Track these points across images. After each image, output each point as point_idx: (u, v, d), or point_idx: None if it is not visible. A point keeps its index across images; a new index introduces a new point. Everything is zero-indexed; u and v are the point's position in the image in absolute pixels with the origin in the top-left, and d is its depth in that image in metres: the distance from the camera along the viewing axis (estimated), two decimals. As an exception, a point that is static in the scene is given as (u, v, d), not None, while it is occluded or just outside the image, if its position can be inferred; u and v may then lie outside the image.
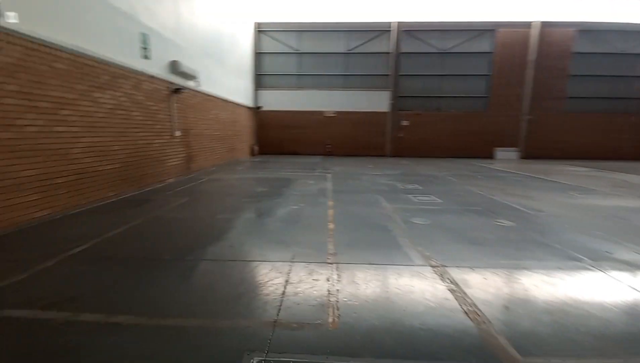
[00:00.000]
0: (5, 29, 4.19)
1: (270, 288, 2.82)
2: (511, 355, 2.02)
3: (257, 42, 18.63)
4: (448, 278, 3.06)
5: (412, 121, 18.89)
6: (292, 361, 1.93)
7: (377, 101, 18.76)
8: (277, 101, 19.11)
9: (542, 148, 18.57)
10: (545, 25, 17.45)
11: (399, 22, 17.82)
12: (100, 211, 5.52)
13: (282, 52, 18.80)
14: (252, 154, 18.33)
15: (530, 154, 18.51)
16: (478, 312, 2.51)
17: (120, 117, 6.67)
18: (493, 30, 17.86)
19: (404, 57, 18.29)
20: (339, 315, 2.43)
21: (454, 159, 17.56)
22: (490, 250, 3.87)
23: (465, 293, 2.79)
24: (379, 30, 18.20)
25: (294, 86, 19.12)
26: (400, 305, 2.59)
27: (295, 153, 19.42)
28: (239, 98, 15.58)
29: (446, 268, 3.30)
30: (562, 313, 2.52)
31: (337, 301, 2.60)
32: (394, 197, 6.96)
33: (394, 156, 18.85)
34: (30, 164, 4.65)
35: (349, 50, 18.53)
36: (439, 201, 6.64)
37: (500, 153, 18.70)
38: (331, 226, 4.74)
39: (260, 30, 18.55)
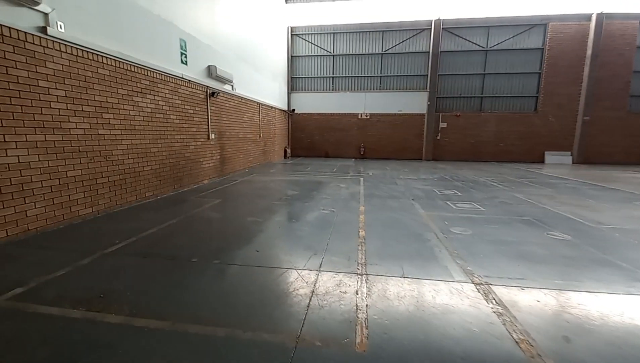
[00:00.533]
0: (55, 37, 4.46)
1: (295, 299, 2.65)
2: (577, 401, 1.67)
3: (292, 45, 18.79)
4: (493, 299, 2.70)
5: (452, 123, 17.98)
6: (313, 386, 1.74)
7: (414, 102, 18.10)
8: (310, 103, 19.13)
9: (599, 152, 16.78)
10: (604, 17, 15.80)
11: (438, 20, 17.07)
12: (139, 210, 5.73)
13: (316, 55, 18.80)
14: (285, 156, 18.48)
15: (585, 158, 16.80)
16: (531, 342, 2.15)
17: (159, 121, 6.92)
18: (544, 24, 16.49)
19: (443, 56, 17.48)
20: (367, 334, 2.20)
21: (497, 164, 16.41)
22: (543, 267, 3.41)
23: (514, 318, 2.43)
24: (417, 29, 17.57)
25: (327, 89, 19.03)
26: (437, 327, 2.30)
27: (327, 156, 19.30)
28: (273, 101, 15.78)
29: (491, 286, 2.93)
30: (635, 349, 2.08)
31: (366, 319, 2.37)
32: (431, 203, 6.54)
33: (431, 160, 18.04)
34: (75, 165, 4.92)
35: (385, 50, 18.08)
36: (481, 209, 6.12)
37: (551, 157, 17.18)
38: (362, 233, 4.50)
39: (295, 34, 18.70)
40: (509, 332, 2.25)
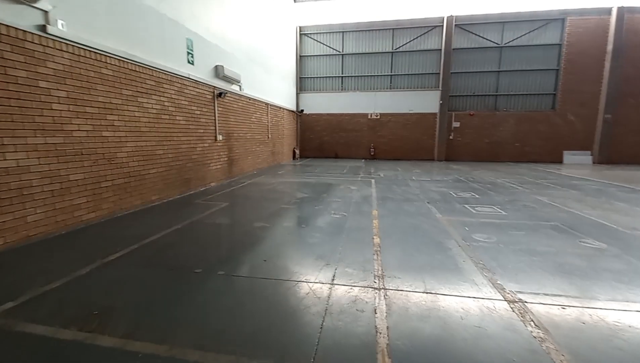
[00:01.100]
0: (55, 36, 4.30)
1: (306, 319, 2.38)
2: None
3: (300, 45, 18.57)
4: (532, 320, 2.37)
5: (465, 123, 17.46)
6: None
7: (426, 102, 17.64)
8: (319, 104, 18.87)
9: (623, 152, 16.02)
10: (626, 10, 15.09)
11: (451, 16, 16.60)
12: (144, 215, 5.55)
13: (325, 55, 18.53)
14: (294, 157, 18.26)
15: (607, 158, 16.07)
16: (583, 376, 1.83)
17: (165, 122, 6.75)
18: (562, 19, 15.86)
19: (456, 54, 16.99)
20: (389, 364, 1.91)
21: (514, 164, 15.84)
22: (584, 281, 3.05)
23: (559, 344, 2.10)
24: (428, 26, 17.14)
25: (336, 89, 18.74)
26: (469, 355, 1.99)
27: (337, 157, 19.00)
28: (281, 102, 15.58)
29: (526, 304, 2.60)
30: None
31: (388, 345, 2.08)
32: (448, 207, 6.18)
33: (444, 161, 17.55)
34: (78, 168, 4.76)
35: (396, 49, 17.69)
36: (503, 213, 5.74)
37: (570, 156, 16.50)
38: (377, 240, 4.20)
39: (303, 34, 18.47)
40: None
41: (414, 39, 17.42)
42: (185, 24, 7.36)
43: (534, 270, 3.28)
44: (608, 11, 15.37)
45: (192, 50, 7.64)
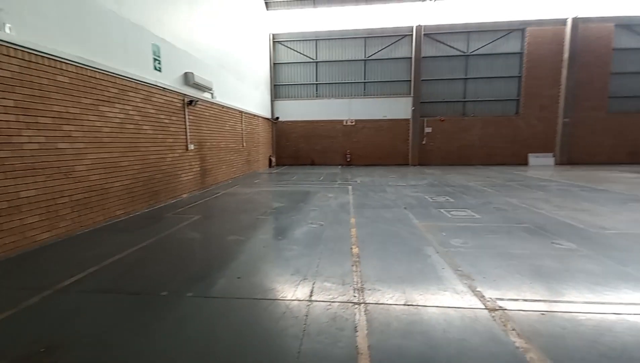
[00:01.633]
0: (2, 40, 3.92)
1: (283, 343, 2.20)
2: None
3: (274, 53, 18.47)
4: (513, 329, 2.33)
5: (436, 128, 17.96)
6: None
7: (399, 108, 18.01)
8: (294, 111, 18.78)
9: (581, 153, 17.07)
10: (580, 21, 16.22)
11: (419, 26, 17.13)
12: (107, 232, 5.15)
13: (299, 62, 18.53)
14: (270, 165, 17.99)
15: (568, 159, 17.05)
16: (568, 387, 1.79)
17: (130, 132, 6.37)
18: (522, 29, 16.80)
19: (425, 62, 17.52)
20: (373, 389, 1.78)
21: (483, 167, 16.44)
22: (560, 284, 3.09)
23: (543, 354, 2.06)
24: (399, 35, 17.58)
25: (311, 96, 18.75)
26: (455, 372, 1.90)
27: (313, 164, 18.92)
28: (256, 109, 15.34)
29: (507, 312, 2.57)
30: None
31: (370, 367, 1.95)
32: (425, 212, 6.21)
33: (418, 165, 17.93)
34: (29, 184, 4.33)
35: (368, 56, 17.99)
36: (477, 216, 5.83)
37: (535, 158, 17.35)
38: (355, 250, 4.09)
39: (277, 41, 18.40)
40: (541, 375, 1.87)
41: (385, 48, 17.80)
42: (151, 29, 7.04)
43: (512, 274, 3.29)
44: (564, 22, 16.45)
45: (159, 56, 7.31)
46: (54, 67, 4.70)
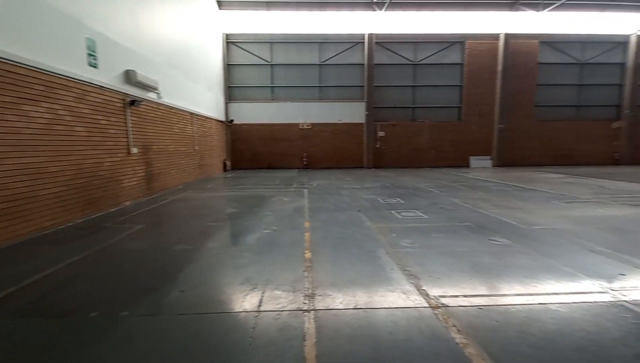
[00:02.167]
0: None
1: (229, 359, 2.09)
2: None
3: (227, 53, 17.95)
4: (454, 325, 2.46)
5: (389, 132, 18.73)
6: None
7: (353, 112, 18.49)
8: (250, 113, 18.40)
9: (514, 156, 18.92)
10: (510, 37, 18.00)
11: (371, 34, 17.78)
12: (30, 246, 4.55)
13: (253, 64, 18.21)
14: (225, 169, 17.39)
15: (503, 162, 18.78)
16: (501, 376, 1.92)
17: (59, 134, 5.72)
18: (462, 42, 18.21)
19: (377, 69, 18.21)
20: (320, 399, 1.75)
21: (431, 169, 17.46)
22: (495, 279, 3.33)
23: (480, 349, 2.19)
24: (352, 42, 18.07)
25: (267, 98, 18.51)
26: (400, 373, 1.94)
27: (270, 167, 18.66)
28: (209, 111, 14.74)
29: (449, 309, 2.70)
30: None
31: (317, 376, 1.92)
32: (377, 214, 6.40)
33: (372, 168, 18.52)
34: None
35: (323, 61, 18.25)
36: (425, 216, 6.14)
37: (475, 161, 18.85)
38: (308, 254, 4.07)
39: (230, 42, 17.91)
40: (477, 368, 1.99)
41: (339, 53, 18.18)
42: (85, 21, 6.42)
43: (454, 272, 3.49)
44: (497, 37, 18.13)
45: (94, 51, 6.69)
46: (-41, 59, 4.06)
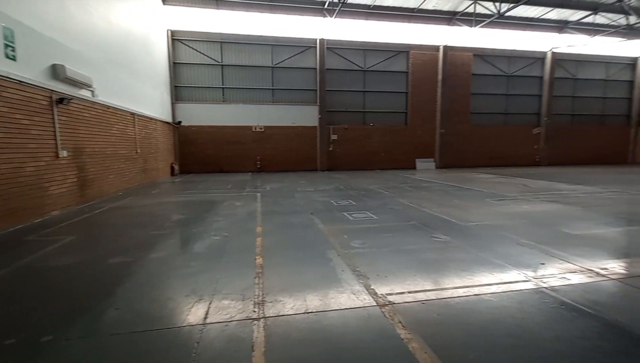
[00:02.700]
0: None
1: (169, 377, 1.96)
2: None
3: (174, 51, 16.99)
4: (400, 322, 2.57)
5: (342, 135, 19.18)
6: None
7: (307, 115, 18.61)
8: (200, 115, 17.59)
9: (454, 158, 20.52)
10: (448, 49, 19.54)
11: (323, 39, 18.09)
12: None
13: (203, 64, 17.47)
14: (173, 173, 16.40)
15: (444, 164, 20.27)
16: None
17: (-34, 135, 4.94)
18: (407, 51, 19.34)
19: (329, 73, 18.57)
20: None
21: (382, 171, 18.22)
22: (437, 274, 3.56)
23: (422, 342, 2.32)
24: (304, 46, 18.21)
25: (218, 100, 17.85)
26: (349, 373, 1.98)
27: (222, 171, 18.00)
28: (152, 111, 13.78)
29: (395, 306, 2.83)
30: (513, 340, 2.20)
31: (266, 385, 1.88)
32: (330, 216, 6.50)
33: (326, 170, 18.78)
34: None
35: (276, 64, 18.12)
36: (375, 217, 6.38)
37: (421, 163, 20.09)
38: (260, 260, 3.98)
39: (177, 39, 16.99)
40: (417, 357, 2.10)
41: (292, 57, 18.21)
42: (2, 8, 5.63)
43: (400, 269, 3.67)
44: (437, 48, 19.56)
45: (12, 42, 5.89)
46: None
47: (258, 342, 2.28)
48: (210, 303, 2.85)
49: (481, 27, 17.53)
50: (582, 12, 18.04)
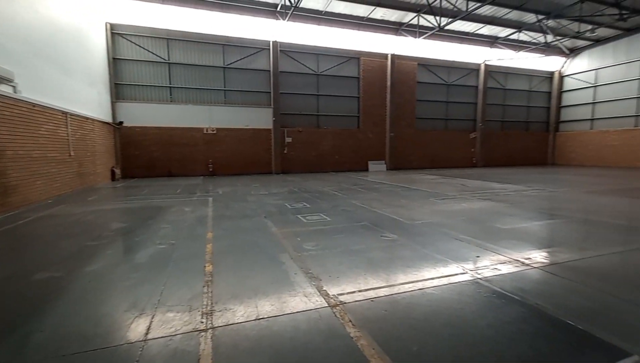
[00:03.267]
0: None
1: (103, 401, 1.80)
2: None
3: (113, 46, 15.70)
4: (350, 320, 2.65)
5: (296, 138, 19.21)
6: None
7: (261, 118, 18.35)
8: (145, 115, 16.44)
9: (403, 160, 21.68)
10: (396, 57, 20.64)
11: (276, 42, 18.00)
12: None
13: (148, 61, 16.37)
14: (114, 178, 15.09)
15: (394, 165, 21.32)
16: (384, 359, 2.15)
17: None
18: (358, 58, 20.03)
19: (283, 76, 18.53)
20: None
21: (336, 173, 18.58)
22: (385, 271, 3.72)
23: (370, 339, 2.41)
24: (257, 48, 17.96)
25: (165, 100, 16.85)
26: (299, 376, 1.99)
27: (171, 175, 16.99)
28: (89, 110, 12.58)
29: (345, 305, 2.91)
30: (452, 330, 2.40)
31: (213, 398, 1.81)
32: (283, 219, 6.47)
33: (281, 173, 18.66)
34: None
35: (227, 64, 17.61)
36: (328, 219, 6.49)
37: (372, 165, 20.89)
38: (209, 267, 3.84)
39: (117, 33, 15.72)
40: (369, 359, 2.18)
41: (244, 58, 17.85)
42: None
43: (351, 269, 3.78)
44: (385, 56, 20.54)
45: None
46: None
47: (205, 354, 2.19)
48: (152, 317, 2.68)
49: (424, 38, 18.80)
50: (509, 29, 20.18)
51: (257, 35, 17.73)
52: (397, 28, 19.40)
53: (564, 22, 19.02)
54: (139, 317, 2.68)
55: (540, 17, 18.13)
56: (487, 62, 23.03)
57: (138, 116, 16.31)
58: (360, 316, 2.72)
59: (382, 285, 3.36)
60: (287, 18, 16.47)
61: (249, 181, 14.20)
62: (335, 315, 2.72)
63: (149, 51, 16.31)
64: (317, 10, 17.40)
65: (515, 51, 22.47)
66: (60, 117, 10.20)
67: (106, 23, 15.32)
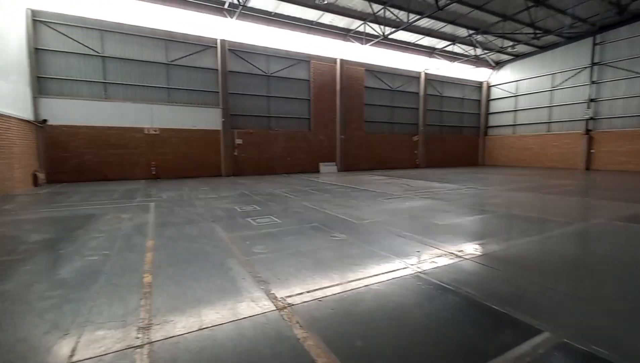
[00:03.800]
0: None
1: None
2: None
3: (35, 34, 13.90)
4: (297, 322, 2.66)
5: (246, 140, 18.76)
6: None
7: (209, 118, 17.60)
8: (75, 113, 14.78)
9: (352, 162, 22.37)
10: (344, 62, 21.27)
11: (224, 40, 17.44)
12: None
13: (78, 53, 14.75)
14: (37, 184, 13.31)
15: (345, 167, 21.90)
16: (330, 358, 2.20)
17: None
18: (308, 61, 20.23)
19: (232, 76, 18.00)
20: None
21: (287, 175, 18.52)
22: (333, 271, 3.80)
23: (317, 338, 2.44)
24: (203, 45, 17.21)
25: (99, 97, 15.32)
26: (243, 384, 1.95)
27: (107, 179, 15.48)
28: (4, 107, 10.96)
29: (293, 307, 2.91)
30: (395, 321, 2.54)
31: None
32: (233, 223, 6.27)
33: (231, 176, 18.06)
34: None
35: (171, 61, 16.61)
36: (279, 221, 6.44)
37: (324, 167, 21.22)
38: (148, 278, 3.57)
39: (40, 20, 13.95)
40: (315, 359, 2.21)
41: (189, 55, 17.00)
42: None
43: (300, 271, 3.79)
44: (335, 61, 21.06)
45: None
46: None
47: (140, 371, 2.04)
48: (79, 337, 2.41)
49: (370, 45, 19.64)
50: (444, 41, 21.92)
51: (204, 33, 17.01)
52: (345, 34, 19.97)
53: (490, 37, 21.25)
54: (62, 339, 2.40)
55: (471, 31, 20.03)
56: (427, 71, 24.79)
57: (67, 114, 14.63)
58: (308, 317, 2.74)
59: (330, 284, 3.43)
60: (235, 16, 16.05)
61: (197, 185, 13.53)
62: (283, 318, 2.71)
63: (79, 42, 14.74)
64: (267, 11, 17.20)
65: (450, 61, 24.49)
66: (-37, 114, 8.75)
67: (27, 9, 13.53)
